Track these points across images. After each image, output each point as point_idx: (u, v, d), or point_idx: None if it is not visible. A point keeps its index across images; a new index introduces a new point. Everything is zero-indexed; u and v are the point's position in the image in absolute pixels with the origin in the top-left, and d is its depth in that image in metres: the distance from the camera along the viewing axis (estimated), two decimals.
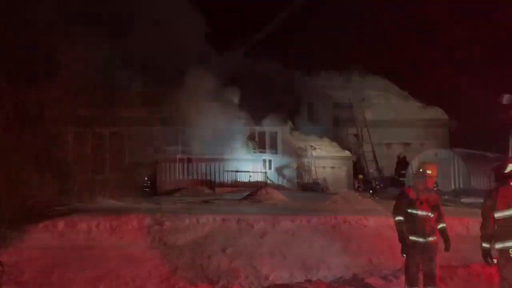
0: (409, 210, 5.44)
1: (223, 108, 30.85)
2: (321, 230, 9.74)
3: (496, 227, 4.36)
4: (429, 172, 5.49)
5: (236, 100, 32.66)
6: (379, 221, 10.32)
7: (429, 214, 5.42)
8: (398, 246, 9.48)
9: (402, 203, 5.60)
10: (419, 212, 5.41)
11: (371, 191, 24.38)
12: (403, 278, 6.59)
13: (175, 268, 7.79)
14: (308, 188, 28.70)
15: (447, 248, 5.48)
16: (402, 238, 5.52)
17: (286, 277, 7.72)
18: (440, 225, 5.57)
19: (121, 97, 15.28)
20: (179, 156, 28.69)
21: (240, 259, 8.24)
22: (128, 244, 8.54)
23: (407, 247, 5.44)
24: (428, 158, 35.91)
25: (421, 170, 5.59)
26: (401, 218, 5.54)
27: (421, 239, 5.37)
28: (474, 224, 10.65)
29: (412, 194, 5.51)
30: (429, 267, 5.40)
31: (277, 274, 7.83)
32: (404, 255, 5.48)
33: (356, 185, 25.55)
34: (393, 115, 20.39)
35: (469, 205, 19.42)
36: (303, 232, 9.54)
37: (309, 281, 7.08)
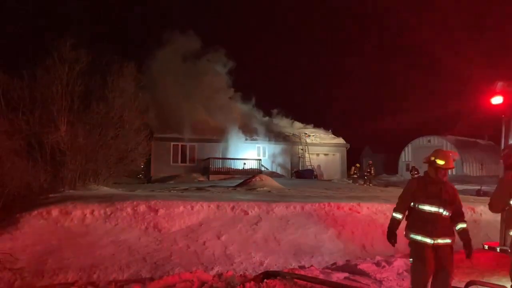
0: (416, 205, 4.58)
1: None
2: (315, 216, 9.81)
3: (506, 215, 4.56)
4: (440, 162, 4.55)
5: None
6: (372, 207, 10.42)
7: (440, 210, 4.50)
8: None
9: (407, 196, 4.69)
10: (427, 208, 4.51)
11: (365, 178, 24.61)
12: (396, 263, 6.69)
13: (170, 255, 7.82)
14: (302, 175, 28.92)
15: (468, 255, 4.59)
16: (389, 237, 4.65)
17: (280, 263, 7.79)
18: (459, 226, 4.68)
19: (113, 83, 15.14)
20: (173, 143, 28.75)
21: (235, 245, 8.29)
22: (123, 230, 8.54)
23: (394, 244, 4.65)
24: (418, 144, 36.43)
25: (432, 158, 4.63)
26: (399, 216, 4.68)
27: (428, 240, 4.45)
28: (465, 211, 10.77)
29: (420, 186, 4.63)
30: (441, 278, 4.46)
31: (271, 260, 7.89)
32: (411, 259, 4.60)
33: (353, 171, 25.61)
34: (319, 140, 34.13)
35: (461, 192, 19.72)
36: (297, 218, 9.60)
37: (302, 267, 7.15)
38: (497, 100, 6.36)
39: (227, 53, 33.22)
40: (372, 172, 24.52)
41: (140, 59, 27.01)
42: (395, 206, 4.78)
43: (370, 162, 25.61)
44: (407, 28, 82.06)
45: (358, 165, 26.80)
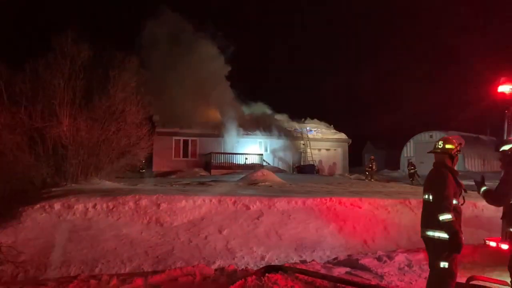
0: (454, 201, 4.15)
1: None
2: (317, 211, 9.83)
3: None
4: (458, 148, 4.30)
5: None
6: (374, 202, 10.42)
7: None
8: (392, 227, 9.65)
9: (451, 192, 4.11)
10: (460, 204, 4.21)
11: (366, 173, 24.54)
12: (397, 258, 6.71)
13: (172, 249, 7.85)
14: (304, 170, 28.93)
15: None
16: (458, 243, 3.99)
17: (282, 258, 7.82)
18: None
19: (115, 77, 15.12)
20: (175, 138, 28.76)
21: (236, 240, 8.32)
22: (125, 225, 8.58)
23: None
24: (420, 140, 36.42)
25: (451, 146, 4.34)
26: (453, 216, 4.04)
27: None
28: (467, 206, 10.78)
29: (455, 179, 4.20)
30: None
31: (272, 254, 7.92)
32: (446, 264, 4.07)
33: (369, 166, 25.14)
34: (321, 136, 34.30)
35: None
36: (299, 213, 9.63)
37: (304, 261, 7.18)
38: (504, 88, 6.28)
39: (225, 37, 33.49)
40: (374, 167, 24.49)
41: (141, 51, 27.09)
42: (443, 206, 4.03)
43: (372, 157, 25.56)
44: (409, 22, 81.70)
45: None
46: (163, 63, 29.33)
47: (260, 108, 35.54)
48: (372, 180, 23.57)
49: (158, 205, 9.25)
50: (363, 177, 25.08)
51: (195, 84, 29.88)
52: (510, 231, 4.72)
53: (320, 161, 32.98)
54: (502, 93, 6.32)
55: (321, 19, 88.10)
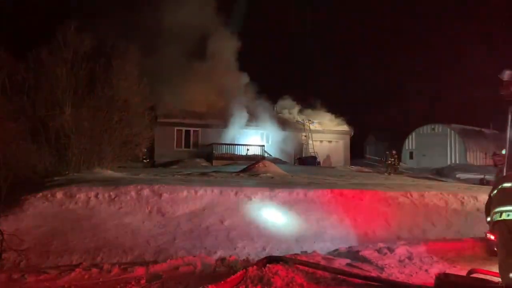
0: None
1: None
2: (318, 203, 9.84)
3: None
4: None
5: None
6: (375, 195, 10.43)
7: None
8: (393, 220, 9.66)
9: None
10: None
11: (387, 162, 24.17)
12: (398, 251, 6.73)
13: (173, 239, 7.89)
14: (305, 162, 28.92)
15: None
16: None
17: (283, 249, 7.83)
18: None
19: (117, 66, 15.10)
20: (177, 128, 28.76)
21: (238, 230, 8.34)
22: (127, 214, 8.62)
23: None
24: (422, 133, 36.24)
25: None
26: None
27: None
28: (469, 199, 10.79)
29: None
30: None
31: (273, 245, 7.94)
32: None
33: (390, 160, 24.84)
34: (323, 127, 33.72)
35: (464, 180, 19.70)
36: (300, 204, 9.64)
37: (305, 252, 7.20)
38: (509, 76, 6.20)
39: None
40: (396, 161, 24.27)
41: (144, 40, 26.91)
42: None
43: (394, 152, 24.80)
44: (413, 15, 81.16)
45: (394, 151, 25.75)
46: (168, 51, 29.19)
47: (263, 99, 35.45)
48: (390, 173, 22.85)
49: (160, 195, 9.27)
50: (367, 170, 24.90)
51: (199, 74, 29.79)
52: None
53: (322, 153, 32.96)
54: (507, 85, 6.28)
55: (328, 12, 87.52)
